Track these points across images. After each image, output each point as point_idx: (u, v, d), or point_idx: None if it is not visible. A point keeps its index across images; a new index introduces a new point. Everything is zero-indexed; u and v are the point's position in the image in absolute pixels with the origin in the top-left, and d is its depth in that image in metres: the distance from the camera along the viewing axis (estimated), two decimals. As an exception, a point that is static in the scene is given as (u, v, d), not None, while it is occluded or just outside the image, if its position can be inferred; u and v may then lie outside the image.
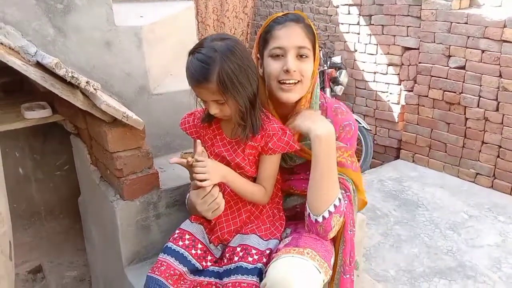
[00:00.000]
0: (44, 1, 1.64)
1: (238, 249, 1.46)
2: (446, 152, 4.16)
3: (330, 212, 1.40)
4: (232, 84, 1.34)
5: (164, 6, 2.68)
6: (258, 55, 1.55)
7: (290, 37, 1.43)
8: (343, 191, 1.49)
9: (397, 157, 4.60)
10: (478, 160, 3.94)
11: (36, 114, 1.84)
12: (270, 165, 1.49)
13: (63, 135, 2.24)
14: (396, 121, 4.54)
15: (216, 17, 5.63)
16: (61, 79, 1.51)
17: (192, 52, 1.40)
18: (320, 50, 1.58)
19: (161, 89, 2.04)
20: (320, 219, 1.41)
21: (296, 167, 1.59)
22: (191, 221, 1.60)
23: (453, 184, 4.02)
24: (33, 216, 2.93)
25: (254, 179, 1.54)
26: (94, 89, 1.50)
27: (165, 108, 2.04)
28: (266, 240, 1.49)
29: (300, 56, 1.44)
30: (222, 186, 1.50)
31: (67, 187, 2.86)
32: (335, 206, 1.41)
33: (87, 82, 1.48)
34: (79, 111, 1.69)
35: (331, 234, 1.45)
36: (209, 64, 1.33)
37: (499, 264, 2.91)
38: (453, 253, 3.04)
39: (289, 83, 1.44)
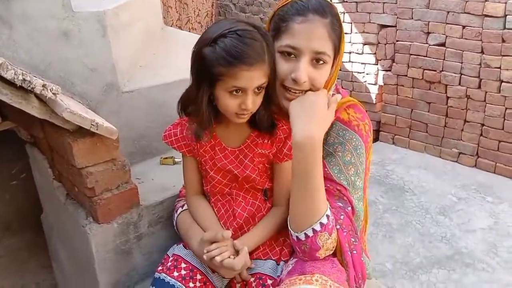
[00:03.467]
0: (-21, -16, 1.31)
1: (252, 279, 1.22)
2: (427, 132, 4.04)
3: (314, 231, 1.16)
4: (274, 63, 1.17)
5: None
6: None
7: (309, 37, 1.15)
8: (341, 205, 1.26)
9: (376, 139, 4.46)
10: (461, 140, 3.84)
11: (-20, 123, 1.50)
12: (288, 173, 1.23)
13: (18, 139, 1.90)
14: (374, 102, 4.38)
15: (177, -2, 5.23)
16: (10, 83, 1.19)
17: (221, 36, 1.10)
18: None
19: (131, 85, 1.73)
20: (302, 236, 1.17)
21: None
22: (184, 247, 1.34)
23: (436, 165, 3.91)
24: (-12, 233, 2.57)
25: (263, 190, 1.30)
26: (53, 93, 1.19)
27: (137, 107, 1.74)
28: (278, 265, 1.26)
29: (316, 61, 1.18)
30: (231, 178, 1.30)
31: (25, 197, 2.50)
32: (321, 224, 1.16)
33: (43, 86, 1.16)
34: (35, 118, 1.38)
35: (323, 253, 1.19)
36: (260, 41, 1.11)
37: (495, 249, 2.81)
38: (448, 239, 2.92)
39: (295, 93, 1.20)
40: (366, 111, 1.41)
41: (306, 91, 1.20)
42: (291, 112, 1.16)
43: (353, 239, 1.25)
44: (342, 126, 1.31)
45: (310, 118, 1.14)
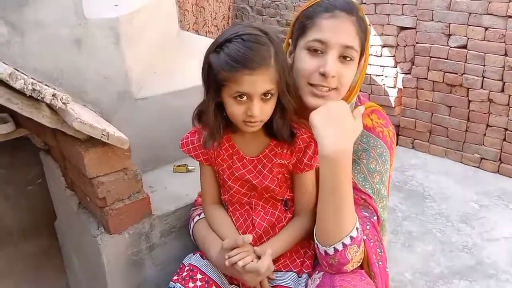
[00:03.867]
0: (-9, -9, 1.29)
1: None
2: (448, 137, 3.93)
3: (344, 245, 1.11)
4: (286, 68, 1.12)
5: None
6: (290, 41, 1.24)
7: (338, 31, 1.12)
8: (367, 214, 1.20)
9: (395, 144, 4.36)
10: (483, 145, 3.73)
11: (-6, 131, 1.49)
12: (309, 184, 1.20)
13: (34, 144, 1.90)
14: (393, 105, 4.29)
15: (194, 1, 5.22)
16: (20, 92, 1.17)
17: (227, 41, 1.08)
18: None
19: (145, 92, 1.71)
20: (330, 251, 1.12)
21: None
22: (201, 257, 1.31)
23: (458, 171, 3.80)
24: (4, 237, 2.58)
25: (284, 200, 1.26)
26: (63, 103, 1.17)
27: (152, 114, 1.71)
28: (300, 277, 1.22)
29: (343, 58, 1.14)
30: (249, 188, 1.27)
31: (42, 202, 2.50)
32: (351, 238, 1.11)
33: (53, 95, 1.14)
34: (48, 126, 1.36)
35: (351, 266, 1.15)
36: (266, 44, 1.07)
37: (519, 259, 2.70)
38: (469, 249, 2.83)
39: (322, 90, 1.15)
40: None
41: (333, 89, 1.16)
42: (315, 122, 1.10)
43: (379, 250, 1.21)
44: (365, 133, 1.27)
45: (340, 129, 1.08)
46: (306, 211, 1.24)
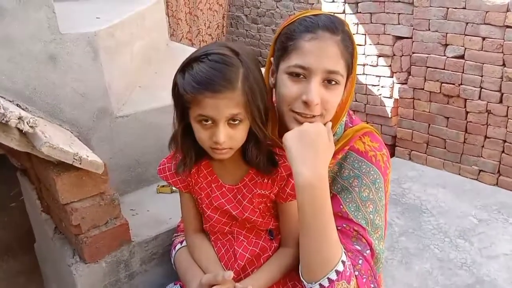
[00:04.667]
0: (-43, 6, 1.21)
1: None
2: (445, 148, 3.87)
3: (330, 280, 1.01)
4: (258, 92, 1.01)
5: (126, 1, 2.24)
6: (272, 59, 1.15)
7: (320, 56, 1.02)
8: (359, 248, 1.11)
9: (392, 155, 4.29)
10: (481, 156, 3.66)
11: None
12: (294, 212, 1.10)
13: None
14: (389, 116, 4.22)
15: (188, 9, 5.16)
16: (-15, 114, 1.09)
17: (193, 60, 0.99)
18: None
19: (127, 109, 1.63)
20: (316, 287, 1.02)
21: None
22: None
23: (455, 183, 3.72)
24: (-14, 256, 2.50)
25: (268, 230, 1.18)
26: (31, 126, 1.08)
27: (133, 132, 1.63)
28: None
29: (327, 82, 1.05)
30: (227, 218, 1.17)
31: (25, 219, 2.41)
32: (337, 272, 1.01)
33: (19, 118, 1.06)
34: (19, 149, 1.27)
35: None
36: (233, 65, 0.97)
37: (520, 277, 2.61)
38: (468, 266, 2.74)
39: (306, 117, 1.06)
40: (381, 125, 1.28)
41: (317, 116, 1.07)
42: (290, 148, 1.01)
43: (372, 286, 1.11)
44: (357, 157, 1.17)
45: (315, 155, 1.00)
46: (292, 241, 1.15)
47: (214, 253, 1.21)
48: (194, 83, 0.96)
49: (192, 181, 1.17)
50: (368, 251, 1.11)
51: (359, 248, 1.11)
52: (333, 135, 1.15)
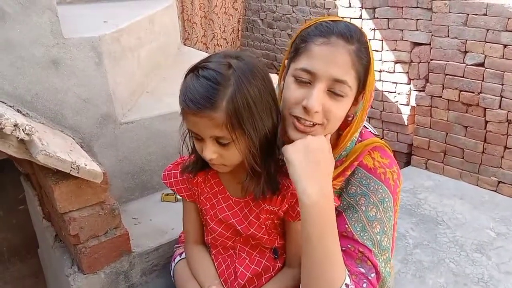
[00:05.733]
0: (-41, 9, 1.19)
1: None
2: (463, 158, 3.74)
3: None
4: (250, 116, 0.93)
5: (137, 6, 2.22)
6: (285, 63, 1.10)
7: (329, 62, 0.97)
8: (363, 271, 1.05)
9: (408, 163, 4.19)
10: (501, 167, 3.53)
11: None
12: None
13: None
14: (406, 124, 4.11)
15: (203, 13, 5.14)
16: (-18, 120, 1.06)
17: (193, 69, 0.96)
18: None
19: (132, 115, 1.59)
20: None
21: None
22: None
23: (473, 195, 3.61)
24: (-6, 258, 2.49)
25: (273, 249, 1.13)
26: (27, 134, 1.05)
27: (137, 139, 1.60)
28: None
29: (332, 93, 0.99)
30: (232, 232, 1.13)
31: (32, 223, 2.41)
32: None
33: (15, 126, 1.03)
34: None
35: None
36: (220, 84, 0.91)
37: (540, 296, 2.51)
38: (485, 282, 2.64)
39: (305, 123, 1.00)
40: (397, 133, 1.21)
41: (318, 124, 1.02)
42: (291, 157, 0.95)
43: None
44: (365, 174, 1.10)
45: (320, 172, 0.95)
46: (297, 261, 1.09)
47: (214, 268, 1.16)
48: (182, 96, 0.93)
49: (198, 190, 1.13)
50: (373, 274, 1.04)
51: (363, 270, 1.04)
52: (344, 150, 1.10)
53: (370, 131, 1.22)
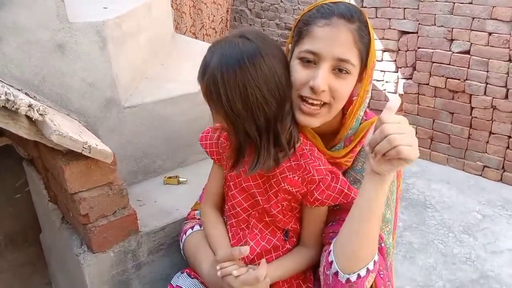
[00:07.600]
0: (-35, -7, 1.20)
1: None
2: (449, 144, 3.85)
3: (368, 270, 1.01)
4: (246, 102, 0.99)
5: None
6: (289, 47, 1.15)
7: (332, 42, 1.01)
8: None
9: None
10: (486, 152, 3.64)
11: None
12: (318, 219, 1.11)
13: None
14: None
15: (192, 3, 5.13)
16: (-5, 101, 1.08)
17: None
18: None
19: (134, 99, 1.62)
20: (353, 277, 1.00)
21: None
22: (189, 275, 1.22)
23: (459, 179, 3.72)
24: (-8, 246, 2.49)
25: (285, 230, 1.17)
26: (41, 114, 1.07)
27: (140, 123, 1.62)
28: None
29: (338, 70, 1.04)
30: (245, 207, 1.18)
31: (30, 211, 2.41)
32: (374, 262, 1.02)
33: (29, 106, 1.05)
34: (27, 137, 1.27)
35: None
36: (213, 77, 1.01)
37: (524, 273, 2.61)
38: (472, 261, 2.74)
39: (312, 104, 1.05)
40: None
41: (325, 103, 1.06)
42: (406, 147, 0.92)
43: (388, 280, 1.11)
44: None
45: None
46: (312, 243, 1.15)
47: (228, 238, 1.20)
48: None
49: (227, 158, 1.17)
50: (382, 245, 1.10)
51: None
52: (349, 129, 1.15)
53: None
